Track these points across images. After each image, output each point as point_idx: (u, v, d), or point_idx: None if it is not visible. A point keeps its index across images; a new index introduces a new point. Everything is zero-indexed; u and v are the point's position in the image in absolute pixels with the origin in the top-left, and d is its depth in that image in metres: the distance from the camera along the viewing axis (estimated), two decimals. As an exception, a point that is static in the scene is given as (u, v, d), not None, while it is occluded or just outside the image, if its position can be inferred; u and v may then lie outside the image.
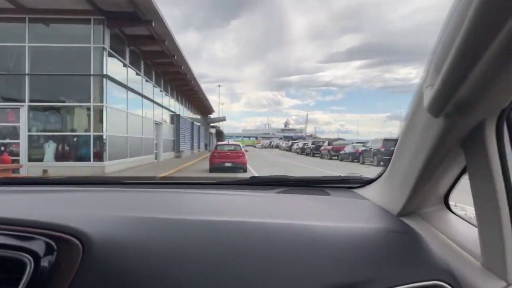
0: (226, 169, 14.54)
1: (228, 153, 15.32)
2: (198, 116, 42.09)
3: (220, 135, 57.25)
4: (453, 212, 1.07)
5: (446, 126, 0.78)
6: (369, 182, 1.41)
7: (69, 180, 1.61)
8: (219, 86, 68.64)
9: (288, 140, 69.98)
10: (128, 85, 16.29)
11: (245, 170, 14.83)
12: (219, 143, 18.90)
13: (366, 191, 1.37)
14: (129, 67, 16.43)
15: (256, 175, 4.20)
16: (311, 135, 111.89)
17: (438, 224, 1.02)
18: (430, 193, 1.05)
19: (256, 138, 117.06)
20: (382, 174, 1.26)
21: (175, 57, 18.79)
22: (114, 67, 15.00)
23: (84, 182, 1.56)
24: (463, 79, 0.63)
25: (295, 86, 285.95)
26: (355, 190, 1.45)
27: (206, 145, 44.97)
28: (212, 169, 14.91)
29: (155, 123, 21.12)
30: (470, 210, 0.98)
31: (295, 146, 43.27)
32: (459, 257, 0.89)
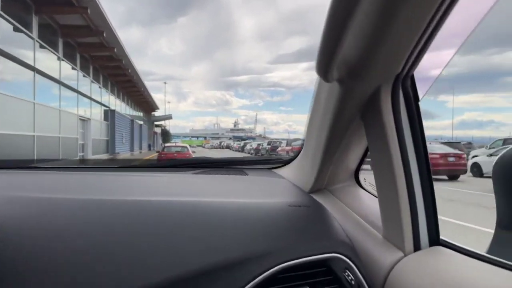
0: None
1: (175, 154, 15.37)
2: (140, 114, 37.77)
3: (166, 135, 53.39)
4: (362, 187, 1.13)
5: (343, 93, 0.80)
6: (288, 162, 1.43)
7: None
8: (165, 83, 63.60)
9: (239, 140, 67.08)
10: (37, 66, 12.12)
11: None
12: (166, 144, 19.69)
13: (284, 171, 1.41)
14: (36, 41, 12.25)
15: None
16: (260, 135, 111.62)
17: (346, 199, 1.07)
18: (340, 169, 1.09)
19: (205, 138, 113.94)
20: (300, 154, 1.27)
21: (105, 34, 14.76)
22: (11, 37, 10.88)
23: None
24: (339, 39, 0.63)
25: (244, 86, 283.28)
26: (274, 170, 1.48)
27: (150, 146, 40.47)
28: None
29: (81, 119, 16.88)
30: None
31: (248, 147, 39.80)
32: (363, 230, 0.92)
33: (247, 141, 52.77)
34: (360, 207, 1.00)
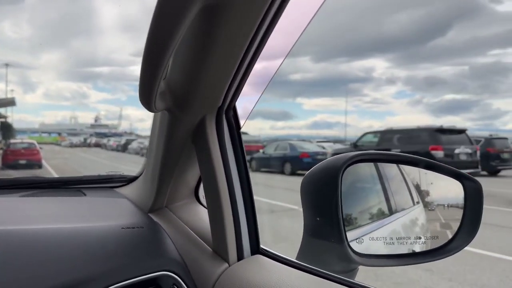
0: (21, 166, 14.37)
1: (22, 151, 15.29)
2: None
3: (7, 129, 39.56)
4: (201, 204, 1.16)
5: (172, 121, 0.88)
6: (132, 180, 1.40)
7: None
8: (6, 65, 47.00)
9: (112, 136, 54.79)
10: None
11: (40, 167, 14.82)
12: (12, 141, 19.32)
13: (126, 190, 1.38)
14: None
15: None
16: (126, 132, 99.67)
17: (185, 216, 1.08)
18: (179, 188, 1.12)
19: (59, 134, 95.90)
20: (144, 172, 1.26)
21: None
22: None
23: None
24: (157, 70, 0.67)
25: (105, 78, 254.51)
26: (117, 189, 1.43)
27: (-20, 145, 27.45)
28: (5, 167, 14.46)
29: None
30: None
31: (135, 145, 29.60)
32: (196, 245, 0.95)
33: (131, 138, 41.49)
34: (196, 223, 1.03)
